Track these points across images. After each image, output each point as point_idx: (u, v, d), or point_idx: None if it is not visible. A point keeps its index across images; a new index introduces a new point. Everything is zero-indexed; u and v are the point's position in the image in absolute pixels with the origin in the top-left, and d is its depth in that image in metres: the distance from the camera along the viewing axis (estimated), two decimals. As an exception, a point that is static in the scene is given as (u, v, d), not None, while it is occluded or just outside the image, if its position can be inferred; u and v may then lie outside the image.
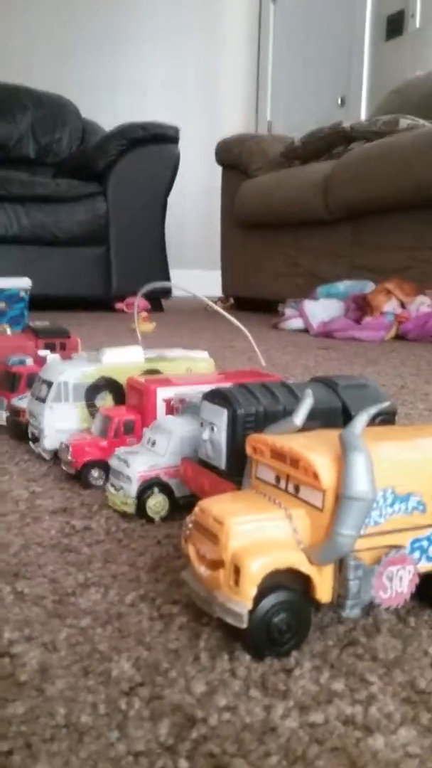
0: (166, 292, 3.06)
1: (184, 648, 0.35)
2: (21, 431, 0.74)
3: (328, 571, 0.35)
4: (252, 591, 0.33)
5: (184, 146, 3.22)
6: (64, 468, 0.63)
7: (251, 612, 0.33)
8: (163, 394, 0.62)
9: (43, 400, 0.67)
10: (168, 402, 0.62)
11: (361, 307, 2.09)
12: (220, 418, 0.48)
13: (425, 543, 0.38)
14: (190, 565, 0.38)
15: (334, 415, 0.49)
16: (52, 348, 0.92)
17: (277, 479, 0.39)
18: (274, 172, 2.93)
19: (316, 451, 0.36)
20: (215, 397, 0.49)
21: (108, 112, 4.08)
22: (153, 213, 3.10)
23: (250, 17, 4.73)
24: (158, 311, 3.02)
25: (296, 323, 2.24)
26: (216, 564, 0.35)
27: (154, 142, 3.04)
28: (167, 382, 0.63)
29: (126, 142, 2.99)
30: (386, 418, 0.49)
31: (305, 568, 0.35)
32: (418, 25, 3.53)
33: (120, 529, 0.51)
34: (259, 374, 0.67)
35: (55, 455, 0.67)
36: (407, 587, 0.36)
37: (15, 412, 0.76)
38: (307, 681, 0.32)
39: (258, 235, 3.01)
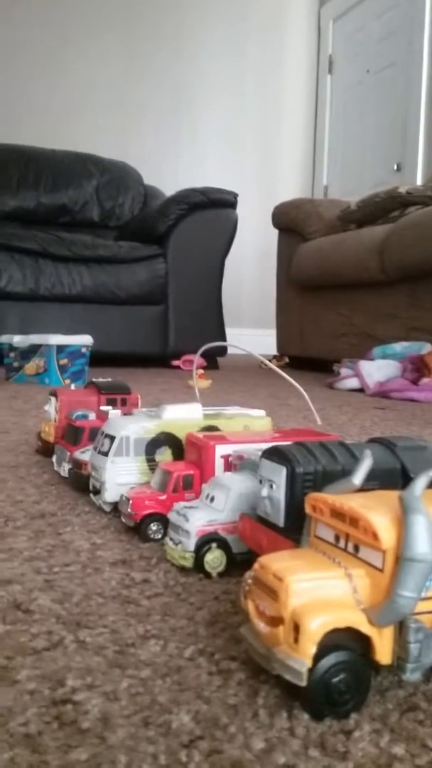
0: (222, 351, 3.11)
1: (243, 704, 0.35)
2: (82, 483, 0.76)
3: (388, 633, 0.35)
4: (312, 649, 0.33)
5: (241, 209, 3.32)
6: (123, 520, 0.65)
7: (310, 670, 0.33)
8: (221, 450, 0.64)
9: (105, 454, 0.70)
10: (226, 458, 0.64)
11: (418, 368, 2.08)
12: (279, 475, 0.48)
13: None
14: (249, 621, 0.39)
15: (392, 477, 0.49)
16: (113, 403, 0.95)
17: (337, 538, 0.39)
18: (329, 235, 2.98)
19: (376, 512, 0.37)
20: (274, 454, 0.50)
21: (169, 177, 4.26)
22: (210, 274, 3.18)
23: (308, 86, 4.90)
24: (214, 368, 3.06)
25: (352, 383, 2.23)
26: (275, 621, 0.36)
27: (213, 207, 3.14)
28: (225, 439, 0.64)
29: (186, 207, 3.10)
30: (446, 481, 0.49)
31: (365, 628, 0.35)
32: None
33: (178, 583, 0.52)
34: (315, 433, 0.68)
35: (115, 508, 0.69)
36: (469, 653, 0.36)
37: (77, 465, 0.78)
38: (366, 744, 0.32)
39: (313, 295, 3.05)
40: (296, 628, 0.34)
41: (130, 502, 0.63)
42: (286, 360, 3.37)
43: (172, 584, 0.52)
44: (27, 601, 0.48)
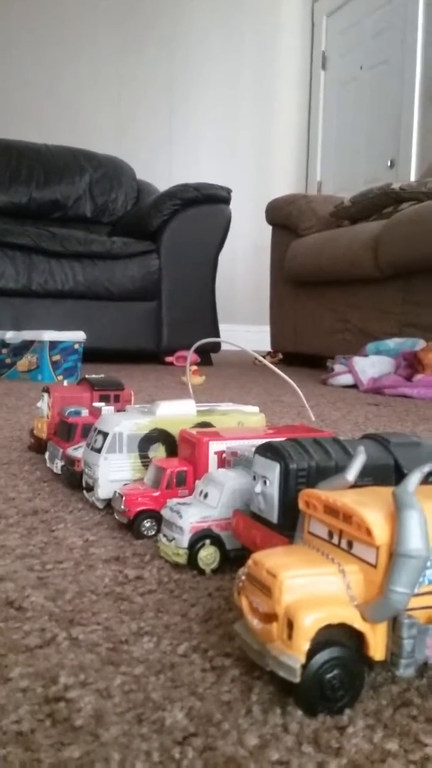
0: (216, 347, 3.11)
1: (237, 700, 0.35)
2: (75, 480, 0.76)
3: (382, 628, 0.35)
4: (305, 645, 0.33)
5: (235, 205, 3.32)
6: (117, 517, 0.65)
7: (304, 667, 0.33)
8: (214, 447, 0.63)
9: (98, 451, 0.69)
10: (220, 455, 0.63)
11: (412, 365, 2.08)
12: (273, 471, 0.48)
13: None
14: (242, 617, 0.38)
15: (386, 473, 0.49)
16: (106, 400, 0.94)
17: (330, 534, 0.39)
18: (323, 231, 2.98)
19: (370, 508, 0.37)
20: (268, 450, 0.50)
21: (162, 173, 4.26)
22: (204, 270, 3.18)
23: (301, 82, 4.90)
24: (207, 365, 3.06)
25: (345, 379, 2.24)
26: (269, 617, 0.36)
27: (207, 203, 3.14)
28: (219, 436, 0.64)
29: (179, 203, 3.09)
30: (439, 477, 0.49)
31: (359, 624, 0.35)
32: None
33: (172, 580, 0.52)
34: (308, 429, 0.68)
35: (109, 504, 0.69)
36: (462, 648, 0.36)
37: (70, 462, 0.78)
38: (360, 739, 0.32)
39: (307, 291, 3.05)
40: (290, 625, 0.34)
41: (123, 498, 0.63)
42: (280, 356, 3.37)
43: (166, 581, 0.52)
44: (20, 598, 0.48)
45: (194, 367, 2.46)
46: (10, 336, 2.24)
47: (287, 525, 0.46)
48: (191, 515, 0.55)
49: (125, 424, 0.70)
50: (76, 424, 0.82)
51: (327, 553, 0.38)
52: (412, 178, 3.80)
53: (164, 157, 4.51)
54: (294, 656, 0.33)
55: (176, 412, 0.73)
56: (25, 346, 2.18)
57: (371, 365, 2.20)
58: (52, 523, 0.66)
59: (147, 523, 0.62)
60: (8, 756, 0.30)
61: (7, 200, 3.38)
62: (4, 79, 4.10)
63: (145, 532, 0.62)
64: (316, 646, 0.34)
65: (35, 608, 0.46)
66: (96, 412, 0.84)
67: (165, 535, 0.56)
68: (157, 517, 0.61)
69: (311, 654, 0.34)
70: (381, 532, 0.35)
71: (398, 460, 0.50)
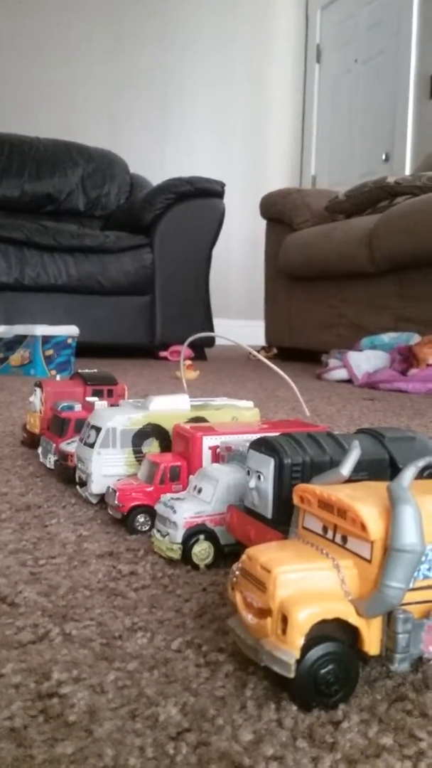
0: (210, 341, 3.11)
1: (231, 696, 0.35)
2: (69, 475, 0.75)
3: (377, 623, 0.35)
4: (299, 640, 0.33)
5: (229, 199, 3.31)
6: (110, 512, 0.64)
7: (298, 662, 0.33)
8: (208, 442, 0.63)
9: (91, 446, 0.69)
10: (214, 450, 0.63)
11: (407, 359, 2.08)
12: (267, 466, 0.48)
13: None
14: (236, 612, 0.38)
15: (381, 467, 0.49)
16: (99, 394, 0.94)
17: (324, 529, 0.39)
18: (318, 225, 2.98)
19: (364, 502, 0.36)
20: (262, 445, 0.50)
21: (155, 166, 4.24)
22: (198, 264, 3.17)
23: (296, 75, 4.89)
24: (202, 360, 3.05)
25: (340, 374, 2.24)
26: (263, 612, 0.36)
27: (200, 197, 3.13)
28: (213, 430, 0.64)
29: (173, 196, 3.08)
30: (434, 471, 0.49)
31: (353, 619, 0.35)
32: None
33: (165, 575, 0.52)
34: (303, 424, 0.67)
35: (102, 500, 0.69)
36: (457, 643, 0.36)
37: (63, 457, 0.77)
38: (355, 734, 0.32)
39: (301, 286, 3.04)
40: (284, 620, 0.34)
41: (117, 493, 0.63)
42: (275, 351, 3.37)
43: (160, 576, 0.52)
44: (12, 594, 0.47)
45: (188, 362, 2.46)
46: (3, 330, 2.23)
47: (281, 520, 0.46)
48: (185, 510, 0.55)
49: (118, 419, 0.69)
50: (69, 419, 0.82)
51: (321, 548, 0.38)
52: (407, 171, 3.80)
53: (157, 150, 4.49)
54: (288, 651, 0.33)
55: (170, 407, 0.73)
56: (18, 341, 2.18)
57: (366, 360, 2.20)
58: (45, 518, 0.65)
59: (141, 519, 0.62)
60: (1, 752, 0.30)
61: (0, 194, 3.36)
62: (-4, 71, 4.08)
63: (139, 528, 0.61)
64: (311, 642, 0.33)
65: (28, 604, 0.46)
66: (89, 407, 0.84)
67: (159, 531, 0.56)
68: (150, 513, 0.61)
69: (306, 649, 0.33)
70: (376, 526, 0.35)
71: (393, 454, 0.50)
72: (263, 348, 3.42)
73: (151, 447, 0.71)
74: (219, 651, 0.40)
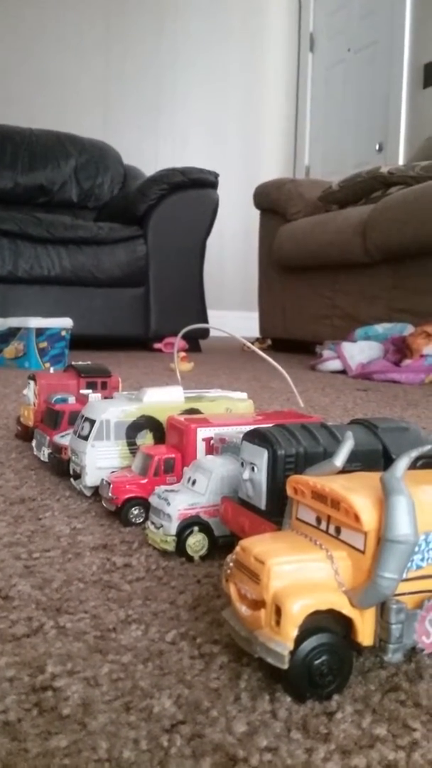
0: (204, 333, 3.10)
1: (225, 687, 0.35)
2: (62, 468, 0.75)
3: (370, 614, 0.35)
4: (293, 632, 0.33)
5: (222, 190, 3.29)
6: (104, 505, 0.64)
7: (292, 653, 0.33)
8: (202, 433, 0.63)
9: (85, 438, 0.69)
10: (208, 441, 0.63)
11: (401, 350, 2.08)
12: (261, 458, 0.48)
13: (468, 588, 0.37)
14: (230, 604, 0.38)
15: (374, 458, 0.49)
16: (93, 387, 0.94)
17: (318, 520, 0.39)
18: (311, 216, 2.97)
19: (358, 493, 0.36)
20: (255, 437, 0.50)
21: (149, 157, 4.22)
22: (192, 255, 3.16)
23: (289, 64, 4.86)
24: (196, 351, 3.05)
25: (334, 365, 2.24)
26: (257, 604, 0.36)
27: (194, 187, 3.12)
28: (207, 422, 0.64)
29: (166, 187, 3.06)
30: (428, 462, 0.49)
31: (347, 610, 0.35)
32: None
33: (160, 567, 0.52)
34: (297, 415, 0.67)
35: (96, 492, 0.69)
36: (450, 633, 0.36)
37: (57, 449, 0.77)
38: (348, 725, 0.32)
39: (295, 277, 3.04)
40: (278, 611, 0.34)
41: (111, 486, 0.62)
42: (269, 342, 3.37)
43: (154, 568, 0.51)
44: (6, 587, 0.47)
45: (182, 354, 2.46)
46: (-3, 323, 2.22)
47: (275, 511, 0.46)
48: (179, 502, 0.55)
49: (112, 411, 0.69)
50: (62, 411, 0.82)
51: (315, 539, 0.38)
52: (401, 161, 3.79)
53: (151, 141, 4.47)
54: (282, 643, 0.33)
55: (164, 399, 0.72)
56: (12, 333, 2.17)
57: (360, 351, 2.20)
58: (39, 511, 0.65)
59: (135, 511, 0.62)
60: (-5, 746, 0.30)
61: (-8, 185, 3.34)
62: (-13, 61, 4.04)
63: (133, 520, 0.61)
64: (305, 633, 0.34)
65: (22, 597, 0.46)
66: (83, 400, 0.83)
67: (153, 523, 0.56)
68: (145, 505, 0.61)
69: (299, 640, 0.33)
70: (369, 517, 0.35)
71: (386, 445, 0.49)
72: (257, 339, 3.42)
73: (145, 439, 0.70)
74: (213, 643, 0.40)
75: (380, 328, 2.30)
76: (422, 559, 0.36)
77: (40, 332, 2.13)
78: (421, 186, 2.30)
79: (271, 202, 3.18)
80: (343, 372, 2.20)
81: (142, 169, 3.71)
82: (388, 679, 0.36)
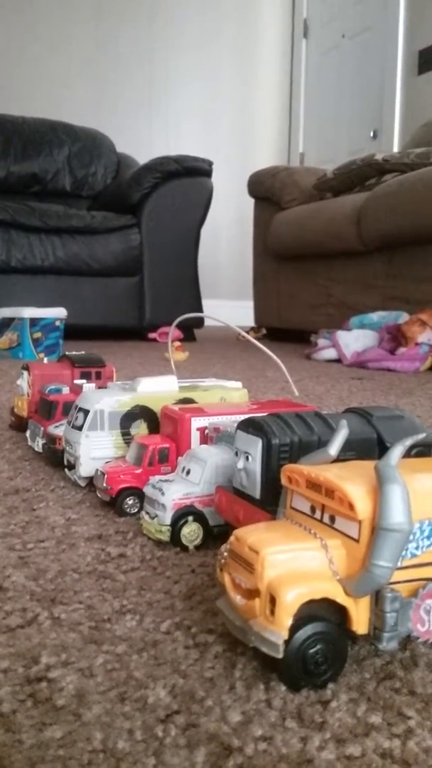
0: (199, 322, 3.09)
1: (220, 677, 0.35)
2: (57, 458, 0.75)
3: (365, 603, 0.35)
4: (288, 621, 0.33)
5: (217, 178, 3.27)
6: (99, 495, 0.64)
7: (287, 642, 0.33)
8: (197, 423, 0.63)
9: (79, 428, 0.69)
10: (202, 431, 0.63)
11: (395, 338, 2.08)
12: (255, 447, 0.48)
13: (463, 576, 0.37)
14: (225, 593, 0.38)
15: (369, 446, 0.49)
16: (87, 377, 0.93)
17: (312, 509, 0.39)
18: (306, 204, 2.96)
19: (352, 482, 0.36)
20: (250, 426, 0.49)
21: (142, 145, 4.19)
22: (186, 244, 3.15)
23: (283, 51, 4.82)
24: (191, 341, 3.04)
25: (329, 353, 2.24)
26: (251, 593, 0.36)
27: (188, 176, 3.10)
28: (201, 412, 0.64)
29: (160, 176, 3.05)
30: (422, 450, 0.49)
31: (341, 599, 0.35)
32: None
33: (155, 557, 0.52)
34: (292, 404, 0.67)
35: (91, 482, 0.68)
36: (445, 621, 0.36)
37: (51, 440, 0.77)
38: (343, 713, 0.32)
39: (290, 265, 3.03)
40: (272, 600, 0.34)
41: (106, 476, 0.62)
42: (264, 331, 3.36)
43: (149, 558, 0.51)
44: (0, 578, 0.47)
45: (177, 343, 2.45)
46: (-10, 313, 2.21)
47: (270, 500, 0.46)
48: (174, 492, 0.54)
49: (106, 401, 0.69)
50: (56, 401, 0.81)
51: (309, 528, 0.38)
52: (395, 148, 3.77)
53: (144, 129, 4.44)
54: (277, 632, 0.33)
55: (158, 389, 0.72)
56: (6, 324, 2.16)
57: (355, 339, 2.20)
58: (33, 501, 0.65)
59: (129, 501, 0.61)
60: (-11, 738, 0.30)
61: (-15, 174, 3.31)
62: (-22, 49, 4.00)
63: (128, 510, 0.61)
64: (299, 622, 0.33)
65: (16, 588, 0.46)
66: (77, 390, 0.83)
67: (147, 513, 0.56)
68: (139, 495, 0.61)
69: (294, 629, 0.33)
70: (363, 506, 0.35)
71: (381, 433, 0.49)
72: (252, 328, 3.41)
73: (140, 429, 0.70)
74: (208, 632, 0.40)
75: (375, 316, 2.29)
76: (417, 548, 0.36)
77: (34, 322, 2.12)
78: (416, 173, 2.29)
79: (266, 190, 3.17)
80: (338, 361, 2.20)
81: (136, 157, 3.69)
82: (382, 668, 0.36)
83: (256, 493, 0.48)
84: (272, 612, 0.34)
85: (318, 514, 0.38)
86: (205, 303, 3.34)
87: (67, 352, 0.98)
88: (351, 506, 0.35)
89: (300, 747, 0.30)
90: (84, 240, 2.94)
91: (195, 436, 0.63)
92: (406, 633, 0.35)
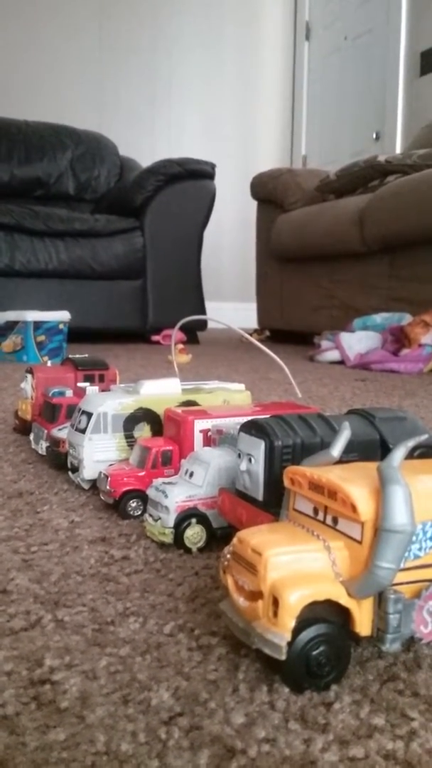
0: (202, 325, 3.10)
1: (223, 679, 0.35)
2: (60, 461, 0.75)
3: (368, 604, 0.35)
4: (291, 623, 0.33)
5: (219, 181, 3.28)
6: (102, 498, 0.64)
7: (290, 644, 0.33)
8: (200, 425, 0.63)
9: (82, 431, 0.69)
10: (205, 433, 0.63)
11: (399, 339, 2.08)
12: (258, 449, 0.48)
13: (466, 577, 0.37)
14: (228, 596, 0.38)
15: (371, 448, 0.49)
16: (91, 380, 0.94)
17: (315, 511, 0.39)
18: (309, 206, 2.96)
19: (355, 483, 0.36)
20: (252, 428, 0.49)
21: (145, 148, 4.19)
22: (189, 247, 3.15)
23: (285, 54, 4.83)
24: (194, 343, 3.04)
25: (332, 355, 2.23)
26: (254, 595, 0.36)
27: (191, 178, 3.10)
28: (204, 414, 0.64)
29: (163, 178, 3.05)
30: (425, 452, 0.49)
31: (344, 600, 0.35)
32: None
33: (158, 560, 0.52)
34: (295, 406, 0.67)
35: (94, 485, 0.68)
36: (448, 622, 0.36)
37: (54, 443, 0.77)
38: (347, 715, 0.32)
39: (293, 267, 3.03)
40: (275, 602, 0.34)
41: (109, 479, 0.62)
42: (267, 333, 3.36)
43: (152, 561, 0.51)
44: (4, 581, 0.47)
45: (180, 346, 2.45)
46: (-6, 317, 2.21)
47: (272, 502, 0.46)
48: (177, 494, 0.55)
49: (110, 404, 0.69)
50: (60, 404, 0.81)
51: (312, 530, 0.38)
52: (398, 150, 3.77)
53: (147, 132, 4.44)
54: (280, 634, 0.33)
55: (161, 391, 0.72)
56: (9, 327, 2.16)
57: (358, 341, 2.19)
58: (37, 504, 0.65)
59: (133, 503, 0.62)
60: (-8, 740, 0.30)
61: (-12, 178, 3.32)
62: (-19, 53, 4.01)
63: (131, 512, 0.61)
64: (302, 623, 0.33)
65: (20, 591, 0.46)
66: (80, 393, 0.83)
67: (151, 515, 0.56)
68: (142, 497, 0.61)
69: (297, 631, 0.33)
70: (366, 507, 0.35)
71: (384, 435, 0.49)
72: (255, 331, 3.41)
73: (143, 431, 0.70)
74: (211, 634, 0.40)
75: (378, 317, 2.29)
76: (420, 549, 0.36)
77: (37, 325, 2.12)
78: (419, 174, 2.29)
79: (268, 193, 3.17)
80: (342, 362, 2.20)
81: (139, 160, 3.69)
82: (386, 669, 0.36)
83: (259, 495, 0.48)
84: (275, 614, 0.34)
85: (321, 516, 0.38)
86: (208, 305, 3.34)
87: (70, 355, 0.98)
88: (354, 508, 0.35)
89: (303, 749, 0.30)
90: (87, 243, 2.95)
91: (198, 439, 0.63)
92: (409, 634, 0.35)
